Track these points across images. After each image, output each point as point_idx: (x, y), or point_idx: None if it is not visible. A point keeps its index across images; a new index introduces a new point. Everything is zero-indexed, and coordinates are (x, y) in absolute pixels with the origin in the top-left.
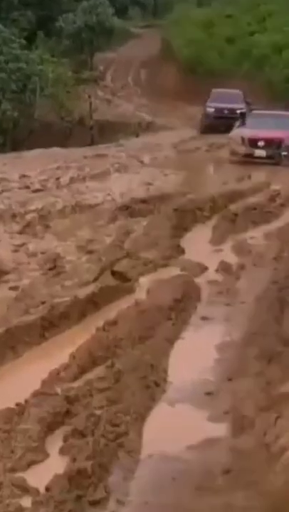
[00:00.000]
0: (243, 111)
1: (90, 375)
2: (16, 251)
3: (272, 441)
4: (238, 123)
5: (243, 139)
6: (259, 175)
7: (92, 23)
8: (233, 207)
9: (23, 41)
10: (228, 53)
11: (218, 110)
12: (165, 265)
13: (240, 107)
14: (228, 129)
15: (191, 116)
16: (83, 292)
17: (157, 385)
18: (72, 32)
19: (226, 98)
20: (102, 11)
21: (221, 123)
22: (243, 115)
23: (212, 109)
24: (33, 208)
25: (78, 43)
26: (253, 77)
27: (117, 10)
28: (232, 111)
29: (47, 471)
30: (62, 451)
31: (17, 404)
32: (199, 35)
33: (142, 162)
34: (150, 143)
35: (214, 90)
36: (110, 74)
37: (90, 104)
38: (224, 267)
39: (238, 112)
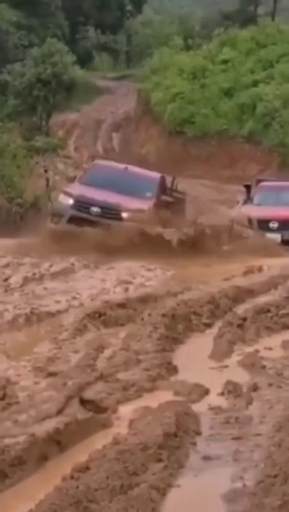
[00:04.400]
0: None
1: None
2: None
3: None
4: (241, 198)
5: (250, 219)
6: (272, 266)
7: (46, 75)
8: (239, 309)
9: None
10: (226, 109)
11: (81, 204)
12: (152, 389)
13: (133, 205)
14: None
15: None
16: (43, 429)
17: None
18: (21, 87)
19: (116, 182)
20: (58, 59)
21: None
22: (248, 188)
23: (69, 201)
24: None
25: (29, 101)
26: (259, 138)
27: (80, 58)
28: (112, 211)
29: None
30: None
31: None
32: (187, 86)
33: None
34: None
35: (96, 163)
36: (73, 141)
37: (48, 181)
38: (231, 389)
39: (123, 214)
